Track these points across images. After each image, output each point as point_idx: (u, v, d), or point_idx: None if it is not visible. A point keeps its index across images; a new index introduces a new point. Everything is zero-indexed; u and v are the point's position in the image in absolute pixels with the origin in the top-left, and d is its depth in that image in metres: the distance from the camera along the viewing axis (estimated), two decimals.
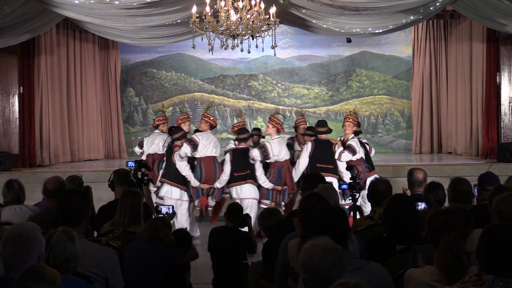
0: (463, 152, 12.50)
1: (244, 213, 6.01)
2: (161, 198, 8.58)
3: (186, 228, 7.26)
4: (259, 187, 8.61)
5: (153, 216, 5.55)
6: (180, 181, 8.56)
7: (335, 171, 8.52)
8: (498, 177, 5.71)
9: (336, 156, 8.51)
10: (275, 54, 8.51)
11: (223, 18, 6.94)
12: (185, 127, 8.87)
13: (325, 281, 2.69)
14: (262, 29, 7.12)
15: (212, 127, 8.75)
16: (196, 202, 8.71)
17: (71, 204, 3.87)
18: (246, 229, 5.92)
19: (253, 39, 7.30)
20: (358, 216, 6.56)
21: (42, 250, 3.11)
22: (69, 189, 5.13)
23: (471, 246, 3.44)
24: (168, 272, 4.75)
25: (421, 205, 5.04)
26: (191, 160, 8.61)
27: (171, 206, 5.82)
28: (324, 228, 3.18)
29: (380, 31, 10.51)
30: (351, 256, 3.23)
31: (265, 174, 8.58)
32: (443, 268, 3.11)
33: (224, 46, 7.31)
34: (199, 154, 8.54)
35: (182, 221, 8.42)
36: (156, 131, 9.27)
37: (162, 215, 5.48)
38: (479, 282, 2.69)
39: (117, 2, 8.72)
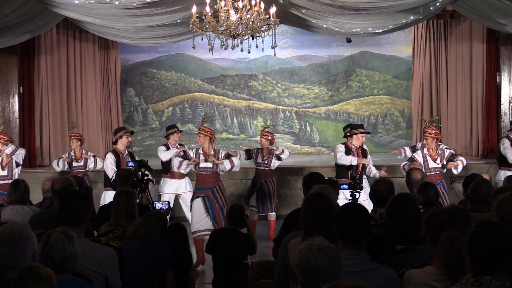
0: (463, 152, 12.48)
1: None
2: None
3: None
4: None
5: None
6: None
7: None
8: (487, 181, 5.55)
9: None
10: (275, 54, 8.48)
11: (223, 18, 6.93)
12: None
13: (322, 280, 2.69)
14: (262, 29, 7.10)
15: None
16: None
17: (72, 205, 3.90)
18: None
19: (253, 39, 7.29)
20: None
21: (35, 248, 3.13)
22: (72, 191, 5.11)
23: None
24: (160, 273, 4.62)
25: None
26: None
27: (166, 202, 5.79)
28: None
29: (380, 31, 10.51)
30: (365, 257, 3.23)
31: None
32: (444, 265, 3.07)
33: (224, 46, 7.29)
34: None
35: None
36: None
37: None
38: (477, 284, 2.69)
39: (117, 2, 8.71)
